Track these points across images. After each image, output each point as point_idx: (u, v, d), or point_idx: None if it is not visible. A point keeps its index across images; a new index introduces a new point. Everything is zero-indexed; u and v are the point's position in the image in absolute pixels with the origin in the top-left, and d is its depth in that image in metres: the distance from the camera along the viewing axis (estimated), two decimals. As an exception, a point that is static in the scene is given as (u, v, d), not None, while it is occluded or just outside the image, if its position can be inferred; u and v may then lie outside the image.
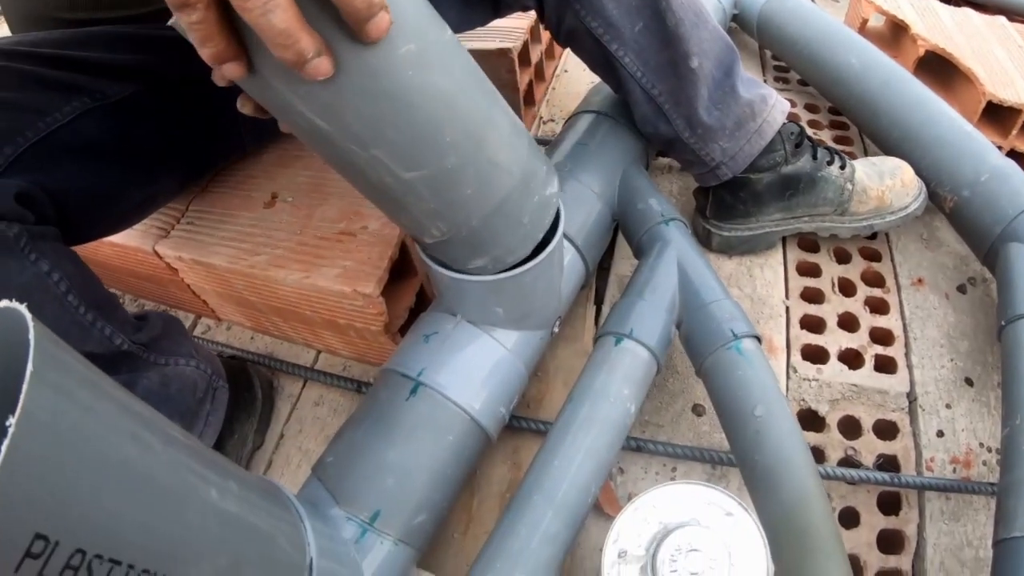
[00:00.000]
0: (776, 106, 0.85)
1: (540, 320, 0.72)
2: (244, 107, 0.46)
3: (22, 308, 0.29)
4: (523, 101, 1.16)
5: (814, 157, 0.88)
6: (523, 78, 1.14)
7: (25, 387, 0.25)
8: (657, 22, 0.74)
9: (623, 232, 0.85)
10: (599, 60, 0.81)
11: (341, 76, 0.39)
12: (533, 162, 0.56)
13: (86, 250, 1.05)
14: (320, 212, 0.86)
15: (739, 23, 1.28)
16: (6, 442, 0.24)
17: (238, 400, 0.87)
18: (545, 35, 1.23)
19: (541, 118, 1.26)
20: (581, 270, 0.80)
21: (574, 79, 1.36)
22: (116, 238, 0.94)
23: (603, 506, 0.75)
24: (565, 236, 0.77)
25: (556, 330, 0.78)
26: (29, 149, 0.59)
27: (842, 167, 0.89)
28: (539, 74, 1.28)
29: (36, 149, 0.60)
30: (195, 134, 0.81)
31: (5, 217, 0.56)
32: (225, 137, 0.89)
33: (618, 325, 0.70)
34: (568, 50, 1.40)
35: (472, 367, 0.67)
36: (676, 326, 0.74)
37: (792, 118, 0.91)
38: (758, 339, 0.69)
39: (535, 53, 1.19)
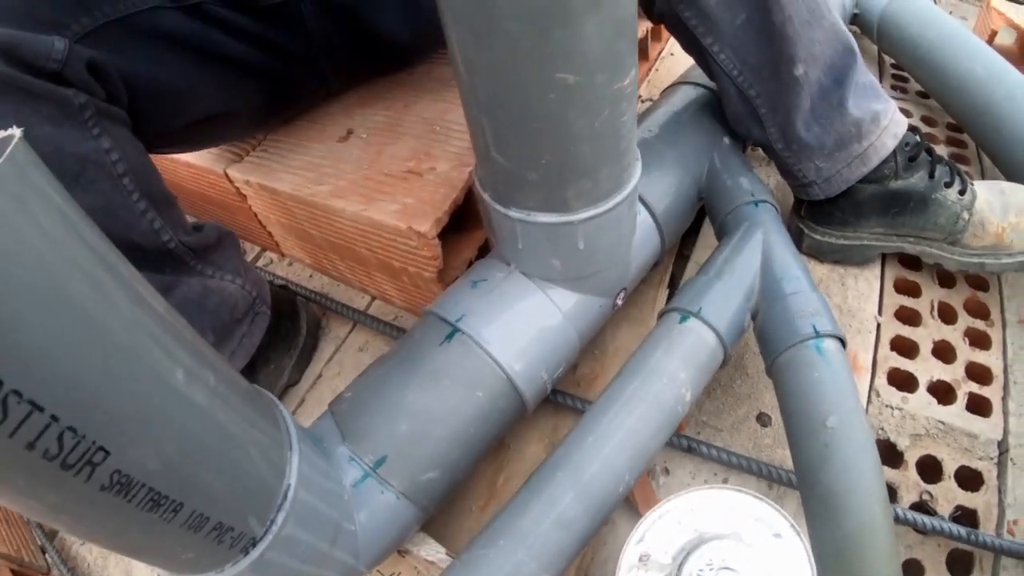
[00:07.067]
0: (889, 128, 0.74)
1: (602, 285, 0.66)
2: None
3: (17, 131, 0.27)
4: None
5: (931, 175, 0.76)
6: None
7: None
8: (762, 16, 0.66)
9: (708, 211, 0.77)
10: (693, 49, 0.74)
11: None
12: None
13: (164, 170, 1.07)
14: (391, 150, 0.83)
15: (859, 24, 1.16)
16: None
17: (280, 330, 0.85)
18: (653, 11, 1.16)
19: (640, 97, 1.19)
20: (656, 243, 0.73)
21: (680, 63, 1.28)
22: (190, 158, 0.94)
23: (637, 503, 0.68)
24: (643, 202, 0.71)
25: (619, 303, 0.71)
26: (107, 26, 0.58)
27: (961, 192, 0.76)
28: (642, 52, 1.21)
29: (114, 28, 0.59)
30: (278, 58, 0.79)
31: (74, 85, 0.55)
32: (309, 72, 0.86)
33: (686, 302, 0.63)
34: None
35: (518, 323, 0.61)
36: (752, 317, 0.66)
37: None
38: (843, 342, 0.60)
39: (639, 29, 1.12)
